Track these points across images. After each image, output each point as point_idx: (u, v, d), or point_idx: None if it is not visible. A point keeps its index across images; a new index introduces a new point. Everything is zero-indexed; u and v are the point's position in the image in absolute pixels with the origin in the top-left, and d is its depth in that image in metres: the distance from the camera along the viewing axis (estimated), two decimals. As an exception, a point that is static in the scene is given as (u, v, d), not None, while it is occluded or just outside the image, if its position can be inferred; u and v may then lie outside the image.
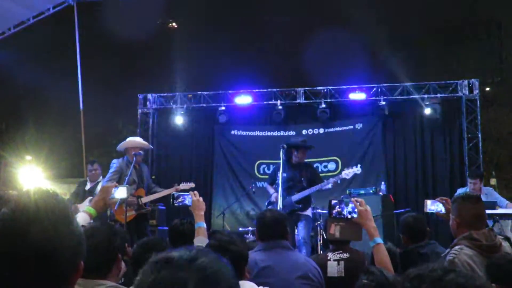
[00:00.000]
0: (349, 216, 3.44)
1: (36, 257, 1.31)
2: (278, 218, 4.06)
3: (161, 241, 3.64)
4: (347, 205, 3.46)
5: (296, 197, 7.55)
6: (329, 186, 7.55)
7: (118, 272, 2.85)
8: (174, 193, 4.43)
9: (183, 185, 7.94)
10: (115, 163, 7.85)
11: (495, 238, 3.36)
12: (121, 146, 8.07)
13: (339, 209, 3.48)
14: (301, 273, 3.73)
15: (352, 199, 3.47)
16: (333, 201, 3.51)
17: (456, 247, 3.41)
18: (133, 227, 7.42)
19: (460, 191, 9.04)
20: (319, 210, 8.88)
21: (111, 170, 7.80)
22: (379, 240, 3.30)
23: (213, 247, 3.14)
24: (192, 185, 7.90)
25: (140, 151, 7.95)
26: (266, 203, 8.08)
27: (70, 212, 1.44)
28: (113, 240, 2.81)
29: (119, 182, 7.54)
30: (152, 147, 8.51)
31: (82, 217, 3.37)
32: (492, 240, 3.34)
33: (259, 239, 4.05)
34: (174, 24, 20.73)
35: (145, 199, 7.72)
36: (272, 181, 8.07)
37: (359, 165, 7.79)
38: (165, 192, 7.83)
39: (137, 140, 8.26)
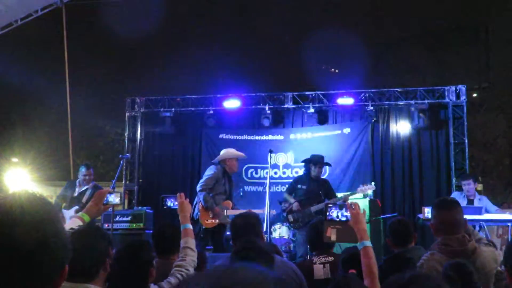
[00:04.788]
0: (343, 219, 3.47)
1: (19, 259, 1.31)
2: (249, 222, 4.08)
3: (144, 243, 3.63)
4: (341, 208, 3.49)
5: (314, 208, 8.22)
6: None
7: (105, 275, 2.84)
8: (163, 195, 4.50)
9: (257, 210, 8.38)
10: (212, 170, 8.02)
11: (468, 243, 3.40)
12: (219, 158, 8.42)
13: (333, 212, 3.51)
14: None
15: (347, 202, 3.51)
16: (329, 204, 3.55)
17: (428, 253, 3.46)
18: (210, 234, 7.65)
19: (453, 194, 9.15)
20: None
21: (208, 174, 7.96)
22: (367, 243, 3.32)
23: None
24: (274, 212, 8.38)
25: (127, 154, 8.06)
26: (285, 213, 8.65)
27: (56, 215, 1.44)
28: (101, 243, 2.81)
29: (213, 189, 7.74)
30: (246, 156, 8.81)
31: (74, 223, 3.36)
32: (464, 245, 3.38)
33: (234, 245, 4.07)
34: (336, 70, 20.74)
35: (230, 212, 7.90)
36: (291, 191, 8.80)
37: (373, 183, 8.57)
38: (241, 211, 8.14)
39: (233, 151, 8.57)
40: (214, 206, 7.79)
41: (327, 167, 11.04)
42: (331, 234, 3.52)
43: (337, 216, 3.50)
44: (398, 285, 1.45)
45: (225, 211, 7.89)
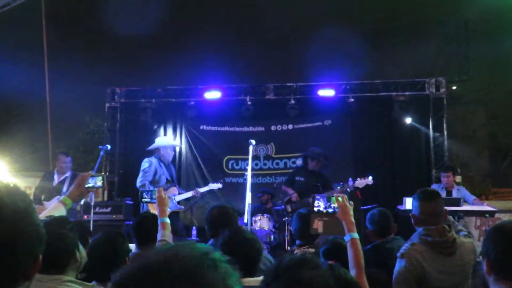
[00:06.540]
0: (330, 211, 3.46)
1: None
2: (225, 213, 4.09)
3: (119, 233, 3.63)
4: (329, 200, 3.48)
5: None
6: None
7: (76, 266, 2.83)
8: (142, 189, 4.51)
9: (212, 185, 8.92)
10: (147, 162, 8.09)
11: (448, 234, 3.43)
12: (152, 147, 8.58)
13: (321, 204, 3.50)
14: None
15: (335, 194, 3.50)
16: (317, 196, 3.54)
17: (408, 243, 3.49)
18: None
19: (432, 186, 9.23)
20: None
21: (143, 169, 8.00)
22: (355, 235, 3.33)
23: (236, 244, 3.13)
24: (219, 185, 8.95)
25: (107, 145, 8.08)
26: (285, 200, 8.96)
27: (31, 205, 1.42)
28: (69, 235, 2.78)
29: (154, 181, 7.80)
30: (180, 146, 8.92)
31: (57, 208, 3.34)
32: (444, 236, 3.41)
33: (210, 236, 4.08)
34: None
35: (178, 198, 8.03)
36: (290, 183, 9.09)
37: (371, 177, 8.45)
38: (189, 194, 8.52)
39: (165, 140, 8.86)
40: None
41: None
42: (318, 226, 3.51)
43: (325, 208, 3.49)
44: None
45: (172, 198, 7.96)
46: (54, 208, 3.34)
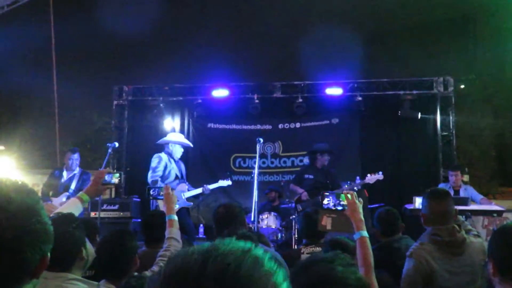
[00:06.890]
0: (339, 208, 3.45)
1: (3, 247, 1.30)
2: (232, 211, 4.08)
3: (127, 232, 3.63)
4: (338, 197, 3.46)
5: None
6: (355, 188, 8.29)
7: (82, 264, 2.82)
8: (149, 186, 4.52)
9: (221, 181, 8.85)
10: (156, 158, 8.10)
11: (458, 234, 3.41)
12: (162, 141, 8.55)
13: (330, 201, 3.49)
14: None
15: (344, 192, 3.48)
16: (326, 193, 3.52)
17: (417, 242, 3.48)
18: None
19: (440, 185, 9.20)
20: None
21: (154, 165, 8.00)
22: (364, 233, 3.30)
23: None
24: (229, 182, 8.92)
25: (115, 142, 8.08)
26: (295, 199, 8.85)
27: (39, 202, 1.43)
28: (75, 232, 2.78)
29: (164, 177, 7.79)
30: (192, 145, 8.88)
31: (74, 203, 3.36)
32: (454, 235, 3.39)
33: (217, 235, 4.08)
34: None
35: (187, 194, 8.10)
36: (299, 181, 8.97)
37: (381, 172, 8.38)
38: (198, 190, 8.49)
39: (177, 137, 8.72)
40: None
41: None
42: (326, 222, 3.50)
43: (334, 205, 3.48)
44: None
45: (182, 194, 7.95)
46: (71, 203, 3.37)
